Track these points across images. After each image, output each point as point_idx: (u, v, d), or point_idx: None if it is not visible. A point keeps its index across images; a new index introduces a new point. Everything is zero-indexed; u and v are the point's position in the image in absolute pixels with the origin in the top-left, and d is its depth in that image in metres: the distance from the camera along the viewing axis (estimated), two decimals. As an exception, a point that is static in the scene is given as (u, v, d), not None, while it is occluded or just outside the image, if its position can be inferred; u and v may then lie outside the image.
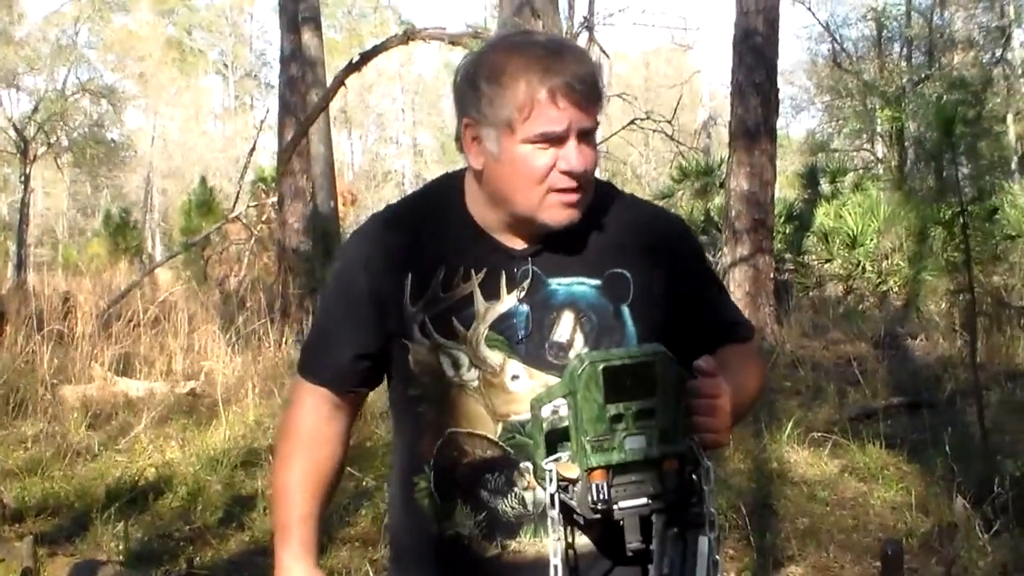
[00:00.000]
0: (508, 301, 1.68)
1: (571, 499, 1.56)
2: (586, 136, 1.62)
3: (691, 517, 1.56)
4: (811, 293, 12.92)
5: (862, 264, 13.00)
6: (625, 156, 24.21)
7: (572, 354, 1.66)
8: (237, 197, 17.33)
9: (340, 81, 10.06)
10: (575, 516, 1.59)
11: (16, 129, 27.05)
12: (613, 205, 1.77)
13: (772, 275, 10.42)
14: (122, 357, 8.94)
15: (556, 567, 1.55)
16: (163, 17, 44.33)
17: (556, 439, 1.58)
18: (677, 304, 1.74)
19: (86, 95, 33.35)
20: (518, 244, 1.70)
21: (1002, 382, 7.44)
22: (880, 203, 13.59)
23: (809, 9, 27.08)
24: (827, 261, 13.44)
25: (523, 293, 1.68)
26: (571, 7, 18.35)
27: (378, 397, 2.07)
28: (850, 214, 13.31)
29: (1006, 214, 11.89)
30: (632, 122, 14.26)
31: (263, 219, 16.14)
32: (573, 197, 1.63)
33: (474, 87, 1.64)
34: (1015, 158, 23.95)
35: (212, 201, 20.84)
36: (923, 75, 23.93)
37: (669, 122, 13.85)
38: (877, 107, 23.57)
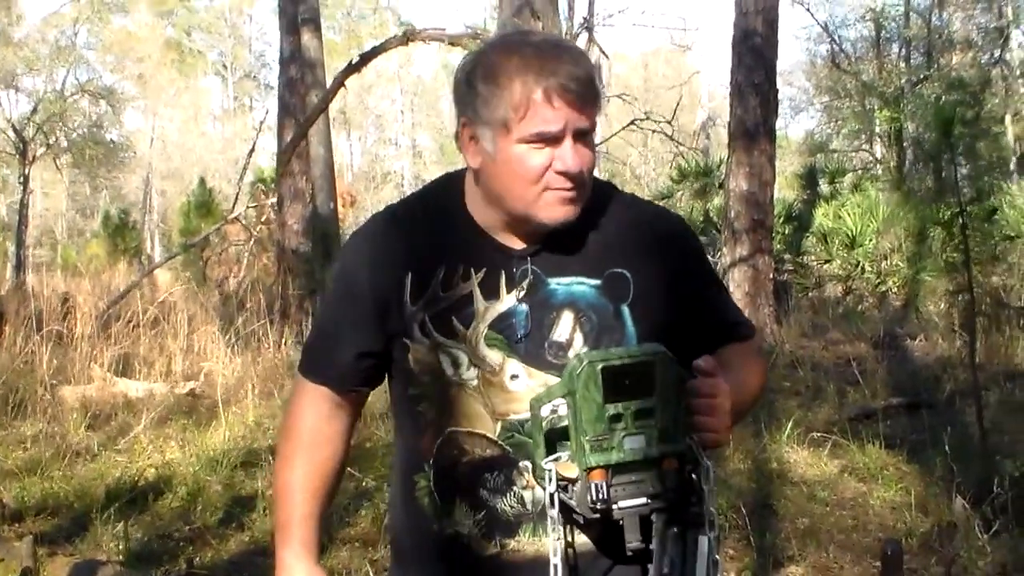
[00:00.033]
0: (508, 300, 1.69)
1: (570, 498, 1.56)
2: (583, 136, 1.62)
3: (691, 516, 1.56)
4: (810, 293, 12.93)
5: (861, 264, 13.01)
6: (624, 157, 24.22)
7: (571, 353, 1.66)
8: (236, 198, 17.36)
9: (339, 82, 10.06)
10: (574, 515, 1.59)
11: (15, 130, 27.07)
12: (614, 205, 1.77)
13: (771, 275, 10.42)
14: (121, 358, 8.94)
15: (556, 566, 1.55)
16: (162, 18, 44.35)
17: (555, 438, 1.58)
18: (677, 304, 1.74)
19: (85, 96, 33.34)
20: (518, 244, 1.71)
21: (1001, 382, 7.45)
22: (879, 204, 13.60)
23: (808, 10, 27.10)
24: (826, 262, 13.44)
25: (523, 293, 1.69)
26: (571, 8, 18.39)
27: (377, 398, 2.08)
28: (849, 215, 13.32)
29: (1005, 214, 11.90)
30: (632, 123, 14.28)
31: (262, 220, 16.14)
32: (569, 194, 1.63)
33: (471, 87, 1.65)
34: (1013, 158, 23.97)
35: (211, 202, 20.85)
36: (922, 76, 23.95)
37: (669, 123, 13.87)
38: (876, 108, 23.58)
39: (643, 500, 1.53)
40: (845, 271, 13.19)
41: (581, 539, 1.67)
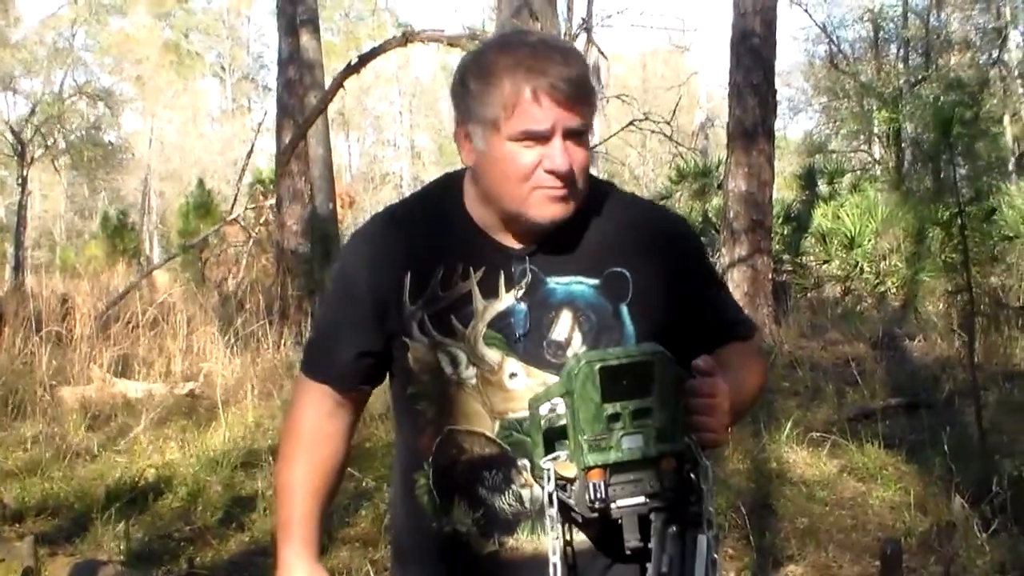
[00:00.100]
0: (506, 300, 1.69)
1: (569, 498, 1.56)
2: (574, 136, 1.63)
3: (690, 516, 1.56)
4: (809, 294, 12.92)
5: (860, 265, 13.01)
6: (623, 157, 24.24)
7: (570, 353, 1.67)
8: (235, 199, 17.36)
9: (338, 83, 10.07)
10: (573, 514, 1.60)
11: (13, 132, 27.06)
12: (613, 205, 1.78)
13: (770, 276, 10.44)
14: (121, 359, 8.95)
15: (555, 565, 1.56)
16: (160, 20, 44.26)
17: (554, 437, 1.58)
18: (677, 304, 1.75)
19: (83, 98, 33.35)
20: (517, 243, 1.71)
21: (1000, 382, 7.46)
22: (878, 204, 13.59)
23: (806, 11, 27.03)
24: (825, 262, 13.44)
25: (521, 292, 1.69)
26: (569, 9, 18.40)
27: (377, 398, 2.08)
28: (848, 215, 13.32)
29: (1004, 215, 11.90)
30: (630, 123, 14.31)
31: (261, 221, 16.13)
32: (559, 192, 1.63)
33: (465, 85, 1.66)
34: (1012, 159, 23.98)
35: (210, 203, 20.84)
36: (920, 76, 23.93)
37: (667, 123, 13.89)
38: (874, 108, 23.55)
39: (641, 499, 1.53)
40: (844, 271, 13.19)
41: (580, 538, 1.67)
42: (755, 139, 10.08)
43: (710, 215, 14.45)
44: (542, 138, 1.60)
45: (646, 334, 1.69)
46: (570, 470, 1.55)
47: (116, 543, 4.90)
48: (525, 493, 1.69)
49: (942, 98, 20.51)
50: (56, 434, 6.91)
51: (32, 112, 29.89)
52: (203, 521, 5.28)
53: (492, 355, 1.69)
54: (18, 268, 22.79)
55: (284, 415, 2.01)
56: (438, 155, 44.15)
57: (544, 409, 1.59)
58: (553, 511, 1.56)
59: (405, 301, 1.72)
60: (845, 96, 26.27)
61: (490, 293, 1.70)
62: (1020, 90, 25.30)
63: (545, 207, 1.64)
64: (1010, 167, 23.38)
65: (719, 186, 12.97)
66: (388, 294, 1.73)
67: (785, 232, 13.87)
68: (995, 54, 24.79)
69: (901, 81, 24.13)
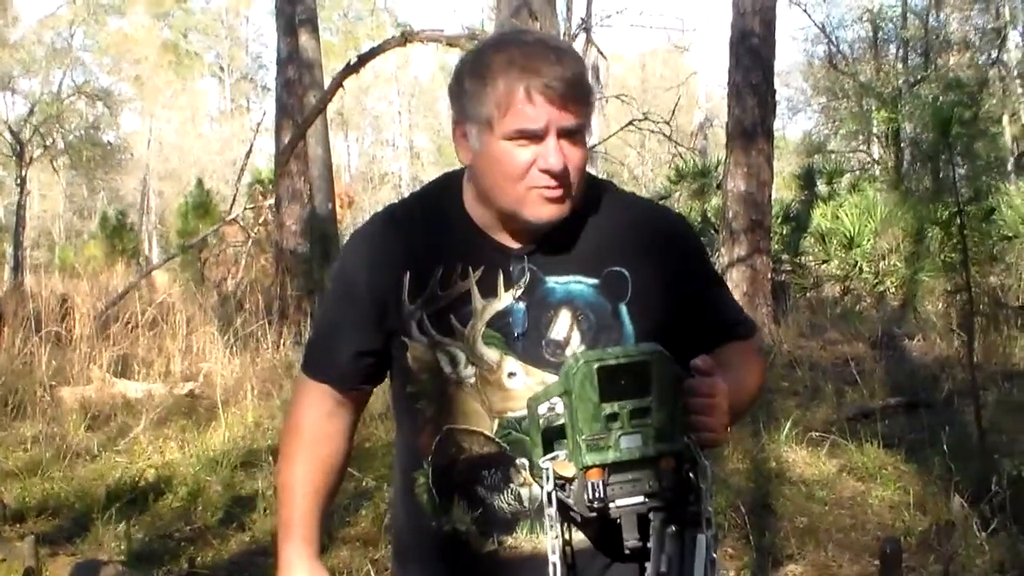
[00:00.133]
0: (505, 299, 1.70)
1: (568, 497, 1.56)
2: (569, 135, 1.62)
3: (689, 515, 1.56)
4: (808, 294, 12.93)
5: (859, 265, 13.01)
6: (622, 157, 24.24)
7: (569, 352, 1.67)
8: (234, 199, 17.37)
9: (337, 83, 10.08)
10: (572, 514, 1.60)
11: (12, 132, 27.07)
12: (613, 204, 1.78)
13: (769, 276, 10.45)
14: (120, 359, 8.94)
15: (555, 564, 1.56)
16: (159, 20, 44.22)
17: (553, 436, 1.58)
18: (677, 304, 1.75)
19: (82, 98, 33.33)
20: (515, 243, 1.71)
21: (999, 382, 7.46)
22: (877, 204, 13.60)
23: (805, 11, 27.01)
24: (824, 262, 13.44)
25: (520, 291, 1.69)
26: (569, 9, 18.41)
27: (376, 398, 2.08)
28: (847, 215, 13.33)
29: (1003, 214, 11.91)
30: (630, 123, 14.33)
31: (260, 221, 16.14)
32: (554, 192, 1.63)
33: (461, 84, 1.67)
34: (1011, 159, 23.97)
35: (209, 203, 20.83)
36: (919, 76, 23.93)
37: (667, 123, 13.91)
38: (873, 108, 23.55)
39: (640, 499, 1.53)
40: (843, 271, 13.19)
41: (579, 537, 1.67)
42: (754, 139, 10.09)
43: (709, 215, 14.46)
44: (536, 137, 1.60)
45: (645, 333, 1.69)
46: (569, 469, 1.55)
47: (117, 543, 4.91)
48: (524, 492, 1.69)
49: (941, 98, 20.51)
50: (56, 434, 6.91)
51: (31, 112, 29.90)
52: (203, 521, 5.28)
53: (491, 354, 1.69)
54: (17, 268, 22.80)
55: (284, 415, 2.02)
56: (437, 155, 44.12)
57: (543, 408, 1.59)
58: (552, 510, 1.56)
59: (404, 300, 1.72)
60: (844, 96, 26.26)
61: (489, 292, 1.70)
62: (1019, 90, 25.29)
63: (540, 207, 1.64)
64: (1009, 167, 23.37)
65: (718, 186, 12.98)
66: (387, 294, 1.73)
67: (784, 232, 13.87)
68: (994, 54, 24.80)
69: (900, 81, 24.13)
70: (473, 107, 1.64)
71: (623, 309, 1.71)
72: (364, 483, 5.61)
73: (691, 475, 1.56)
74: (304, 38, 12.98)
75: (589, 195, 1.72)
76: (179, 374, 8.86)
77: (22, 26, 35.58)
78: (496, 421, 1.70)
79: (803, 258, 13.76)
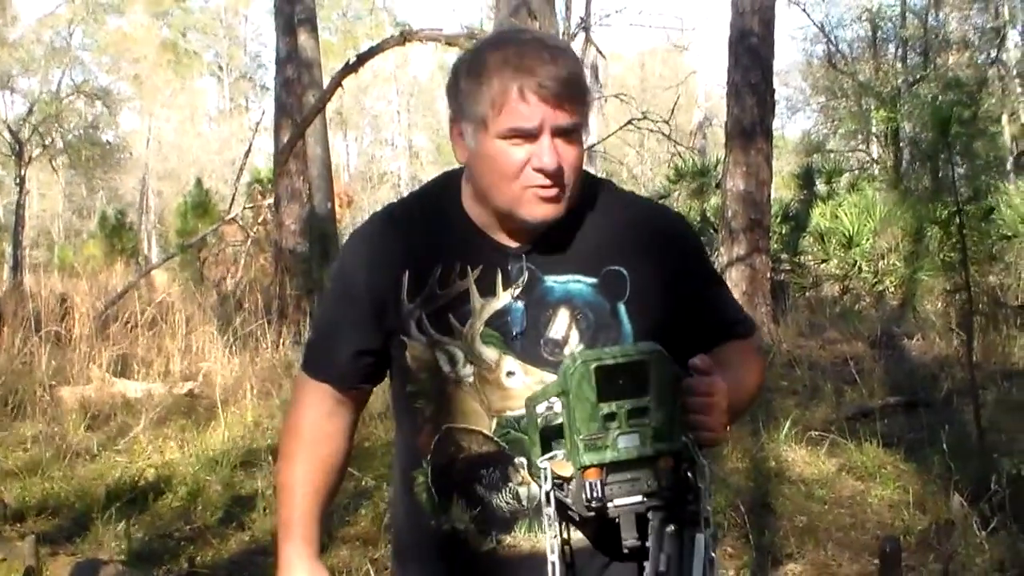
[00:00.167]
0: (504, 298, 1.70)
1: (566, 497, 1.56)
2: (564, 134, 1.62)
3: (687, 515, 1.56)
4: (807, 293, 12.94)
5: (858, 264, 13.02)
6: (621, 157, 24.27)
7: (567, 351, 1.67)
8: (233, 199, 17.36)
9: (336, 83, 10.08)
10: (570, 513, 1.60)
11: (11, 131, 27.08)
12: (612, 203, 1.78)
13: (768, 275, 10.46)
14: (120, 358, 8.94)
15: (554, 564, 1.56)
16: (157, 19, 44.19)
17: (551, 436, 1.58)
18: (676, 303, 1.75)
19: (81, 97, 33.34)
20: (514, 242, 1.72)
21: (998, 381, 7.47)
22: (876, 203, 13.60)
23: (804, 10, 26.98)
24: (823, 261, 13.45)
25: (519, 290, 1.70)
26: (568, 8, 18.41)
27: (376, 398, 2.09)
28: (846, 214, 13.33)
29: (1002, 214, 11.92)
30: (629, 122, 14.34)
31: (259, 220, 16.13)
32: (549, 191, 1.63)
33: (457, 83, 1.67)
34: (1010, 158, 23.96)
35: (208, 203, 20.83)
36: (918, 76, 23.93)
37: (666, 122, 13.91)
38: (872, 108, 23.54)
39: (639, 498, 1.53)
40: (842, 270, 13.20)
41: (577, 536, 1.67)
42: (753, 138, 10.09)
43: (708, 214, 14.47)
44: (530, 136, 1.60)
45: (644, 333, 1.69)
46: (567, 469, 1.55)
47: (117, 543, 4.91)
48: (522, 491, 1.69)
49: (940, 97, 20.51)
50: (56, 434, 6.91)
51: (30, 111, 29.89)
52: (203, 520, 5.29)
53: (489, 353, 1.69)
54: (16, 268, 22.80)
55: (284, 414, 2.02)
56: (436, 154, 44.10)
57: (541, 408, 1.59)
58: (550, 510, 1.56)
59: (403, 300, 1.72)
60: (843, 95, 26.25)
61: (487, 291, 1.70)
62: (1018, 89, 25.28)
63: (535, 206, 1.64)
64: (1008, 166, 23.36)
65: (717, 185, 13.00)
66: (386, 293, 1.73)
67: (783, 231, 13.88)
68: (993, 53, 24.80)
69: (899, 80, 24.13)
70: (469, 106, 1.64)
71: (622, 308, 1.71)
72: (364, 482, 5.61)
73: (690, 474, 1.56)
74: (303, 37, 12.97)
75: (588, 194, 1.72)
76: (179, 374, 8.85)
77: (21, 25, 35.59)
78: (495, 420, 1.70)
79: (802, 257, 13.77)
